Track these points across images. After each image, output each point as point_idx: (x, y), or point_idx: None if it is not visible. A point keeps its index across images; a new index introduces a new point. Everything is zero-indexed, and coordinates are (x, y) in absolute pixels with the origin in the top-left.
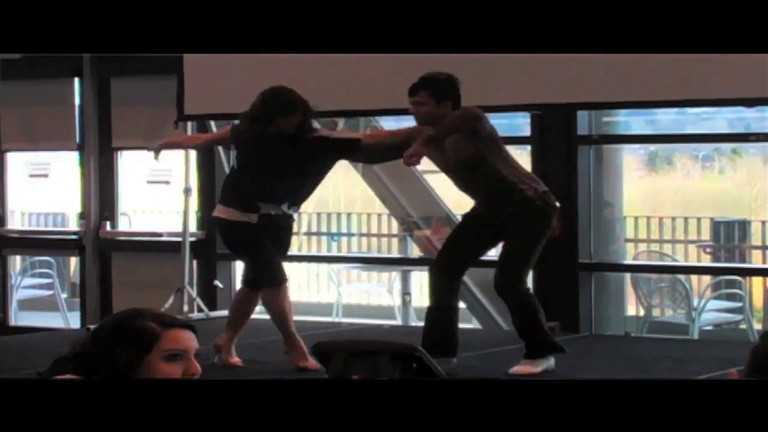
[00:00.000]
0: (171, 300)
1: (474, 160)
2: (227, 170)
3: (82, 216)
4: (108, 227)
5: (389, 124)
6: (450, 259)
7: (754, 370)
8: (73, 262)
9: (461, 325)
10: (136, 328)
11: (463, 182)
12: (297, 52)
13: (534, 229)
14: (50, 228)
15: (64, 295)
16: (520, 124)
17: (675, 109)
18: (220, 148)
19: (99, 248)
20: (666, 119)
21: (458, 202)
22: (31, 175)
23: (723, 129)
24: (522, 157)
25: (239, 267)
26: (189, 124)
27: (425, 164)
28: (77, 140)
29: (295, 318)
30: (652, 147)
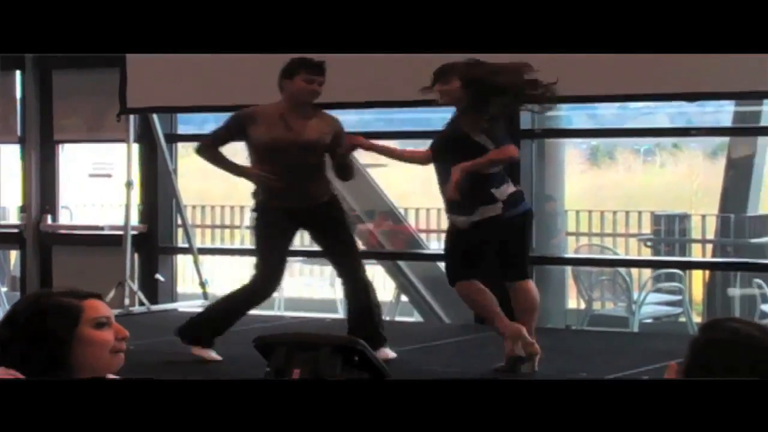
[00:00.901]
0: (112, 293)
1: None
2: (170, 165)
3: (23, 209)
4: (49, 220)
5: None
6: None
7: (693, 362)
8: (13, 255)
9: (404, 319)
10: (57, 304)
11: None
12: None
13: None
14: None
15: (4, 289)
16: None
17: (616, 104)
18: (163, 142)
19: (40, 242)
20: (607, 114)
21: (401, 195)
22: None
23: (664, 124)
24: None
25: (181, 261)
26: (131, 117)
27: (368, 158)
28: (18, 133)
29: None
30: (594, 141)
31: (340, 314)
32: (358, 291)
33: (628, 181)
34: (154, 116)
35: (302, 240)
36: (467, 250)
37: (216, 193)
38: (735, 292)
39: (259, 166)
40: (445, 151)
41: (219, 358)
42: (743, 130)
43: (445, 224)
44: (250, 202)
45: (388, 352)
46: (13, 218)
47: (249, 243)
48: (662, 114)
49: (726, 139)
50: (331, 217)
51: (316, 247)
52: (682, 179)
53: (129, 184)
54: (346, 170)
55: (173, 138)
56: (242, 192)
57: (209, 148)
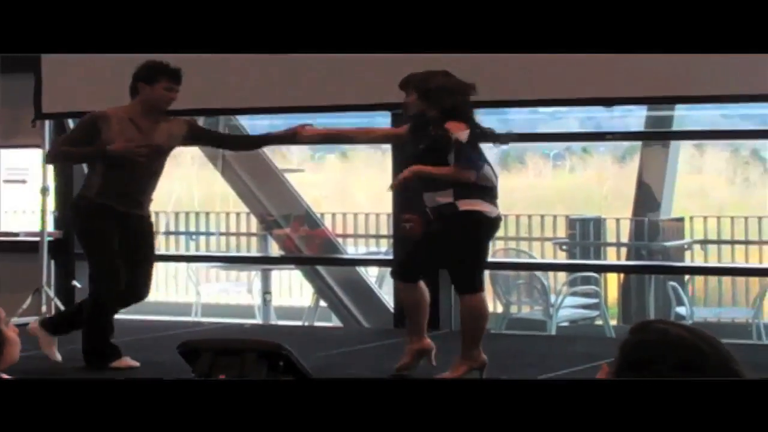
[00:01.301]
0: (29, 300)
1: None
2: (85, 170)
3: None
4: None
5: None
6: None
7: (624, 364)
8: None
9: (323, 324)
10: None
11: None
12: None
13: None
14: None
15: None
16: (381, 123)
17: (527, 109)
18: None
19: None
20: (518, 118)
21: (315, 199)
22: None
23: (574, 128)
24: (377, 155)
25: None
26: (47, 122)
27: (284, 162)
28: None
29: (155, 318)
30: (504, 146)
31: (258, 320)
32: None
33: (538, 186)
34: (69, 121)
35: (219, 245)
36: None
37: None
38: (650, 295)
39: (104, 168)
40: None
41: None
42: (657, 134)
43: (360, 229)
44: (163, 208)
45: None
46: None
47: (165, 249)
48: (572, 118)
49: (635, 144)
50: (145, 231)
51: (233, 253)
52: (592, 183)
53: (44, 190)
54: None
55: None
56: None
57: (55, 149)
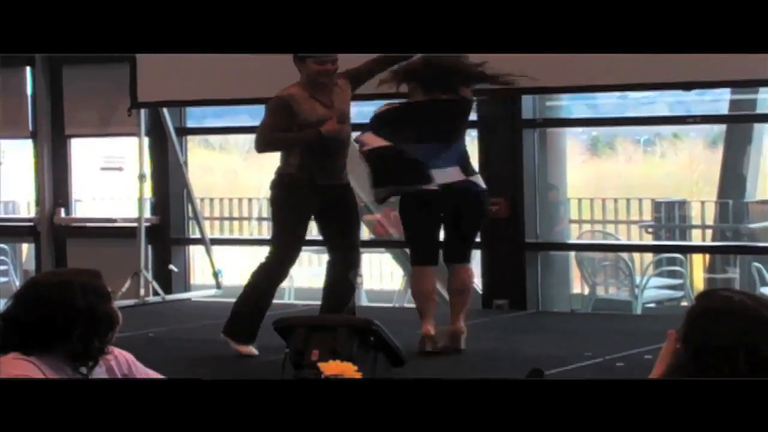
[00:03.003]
0: (128, 284)
1: None
2: (180, 157)
3: (38, 203)
4: (62, 214)
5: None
6: None
7: (690, 329)
8: (25, 249)
9: (412, 305)
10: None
11: None
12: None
13: None
14: (2, 215)
15: (17, 283)
16: None
17: (616, 94)
18: (174, 135)
19: (54, 235)
20: (607, 104)
21: None
22: None
23: (663, 113)
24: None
25: (194, 251)
26: (142, 111)
27: None
28: (30, 128)
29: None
30: (594, 132)
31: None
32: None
33: (628, 171)
34: (164, 110)
35: (310, 230)
36: None
37: (219, 187)
38: (735, 275)
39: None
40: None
41: (255, 352)
42: (740, 117)
43: None
44: (254, 194)
45: None
46: (24, 212)
47: (258, 233)
48: (661, 103)
49: (725, 128)
50: (347, 204)
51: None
52: (683, 169)
53: (142, 177)
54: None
55: (183, 131)
56: (243, 185)
57: (265, 138)
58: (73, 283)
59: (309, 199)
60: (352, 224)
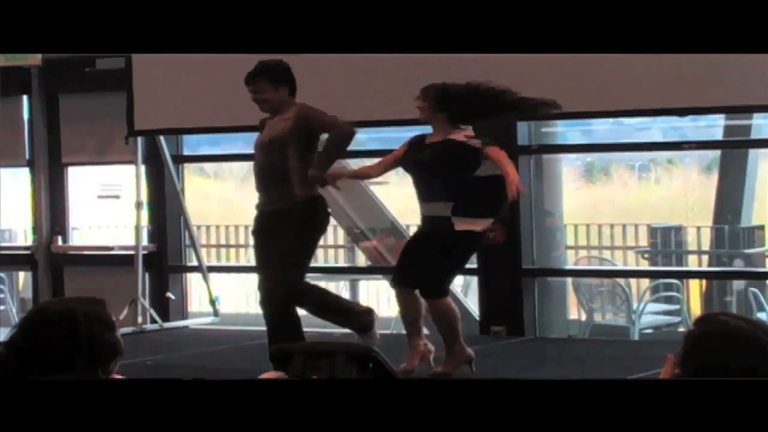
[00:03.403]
0: (125, 312)
1: None
2: (177, 185)
3: (35, 231)
4: (60, 242)
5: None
6: None
7: (688, 353)
8: (22, 277)
9: None
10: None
11: None
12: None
13: None
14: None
15: (14, 310)
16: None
17: (611, 120)
18: (171, 163)
19: (51, 263)
20: (602, 130)
21: (400, 212)
22: None
23: (658, 139)
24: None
25: (191, 278)
26: (139, 139)
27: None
28: (27, 156)
29: (251, 328)
30: (589, 158)
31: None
32: None
33: (623, 198)
34: (161, 138)
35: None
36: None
37: (214, 214)
38: (731, 300)
39: None
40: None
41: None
42: (735, 143)
43: None
44: (249, 221)
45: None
46: (21, 240)
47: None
48: (656, 130)
49: (720, 154)
50: (272, 230)
51: (320, 264)
52: (678, 194)
53: (139, 205)
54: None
55: (180, 159)
56: (238, 213)
57: None
58: (78, 311)
59: (255, 223)
60: (274, 251)
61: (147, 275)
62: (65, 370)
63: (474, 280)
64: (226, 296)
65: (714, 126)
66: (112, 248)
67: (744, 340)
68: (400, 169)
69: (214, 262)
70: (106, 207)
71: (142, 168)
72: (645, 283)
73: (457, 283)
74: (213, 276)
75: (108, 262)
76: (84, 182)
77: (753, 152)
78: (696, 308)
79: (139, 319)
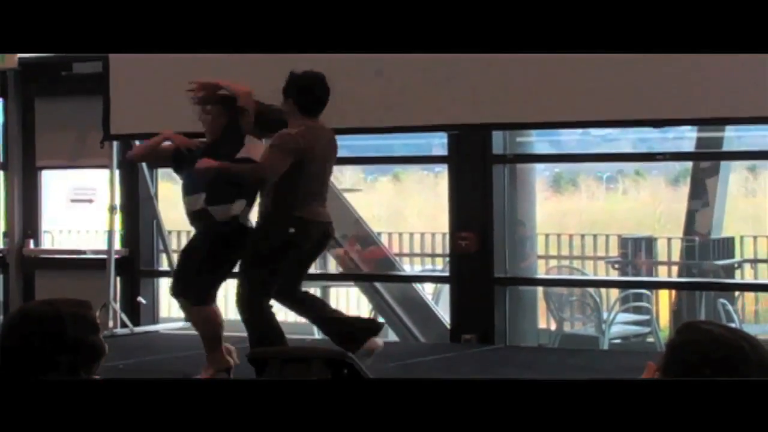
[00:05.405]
0: (97, 315)
1: None
2: (151, 190)
3: (6, 234)
4: (31, 245)
5: None
6: None
7: (671, 362)
8: None
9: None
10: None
11: None
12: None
13: None
14: None
15: None
16: (437, 144)
17: (579, 131)
18: (145, 167)
19: (23, 266)
20: (571, 140)
21: (370, 219)
22: None
23: (627, 150)
24: (429, 178)
25: (163, 283)
26: (114, 143)
27: (344, 183)
28: (0, 159)
29: (224, 333)
30: (557, 169)
31: (318, 335)
32: None
33: (591, 208)
34: (136, 142)
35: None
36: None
37: (186, 220)
38: (701, 312)
39: None
40: None
41: None
42: (707, 155)
43: (415, 248)
44: None
45: None
46: None
47: None
48: (624, 141)
49: (688, 165)
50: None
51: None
52: (645, 206)
53: (113, 209)
54: None
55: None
56: None
57: None
58: (63, 313)
59: None
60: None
61: (119, 279)
62: (49, 370)
63: (446, 288)
64: None
65: (683, 138)
66: (84, 252)
67: (727, 348)
68: (370, 176)
69: None
70: (79, 211)
71: (117, 172)
72: (615, 293)
73: (428, 291)
74: None
75: (80, 266)
76: (58, 186)
77: (724, 164)
78: (665, 319)
79: (110, 324)
